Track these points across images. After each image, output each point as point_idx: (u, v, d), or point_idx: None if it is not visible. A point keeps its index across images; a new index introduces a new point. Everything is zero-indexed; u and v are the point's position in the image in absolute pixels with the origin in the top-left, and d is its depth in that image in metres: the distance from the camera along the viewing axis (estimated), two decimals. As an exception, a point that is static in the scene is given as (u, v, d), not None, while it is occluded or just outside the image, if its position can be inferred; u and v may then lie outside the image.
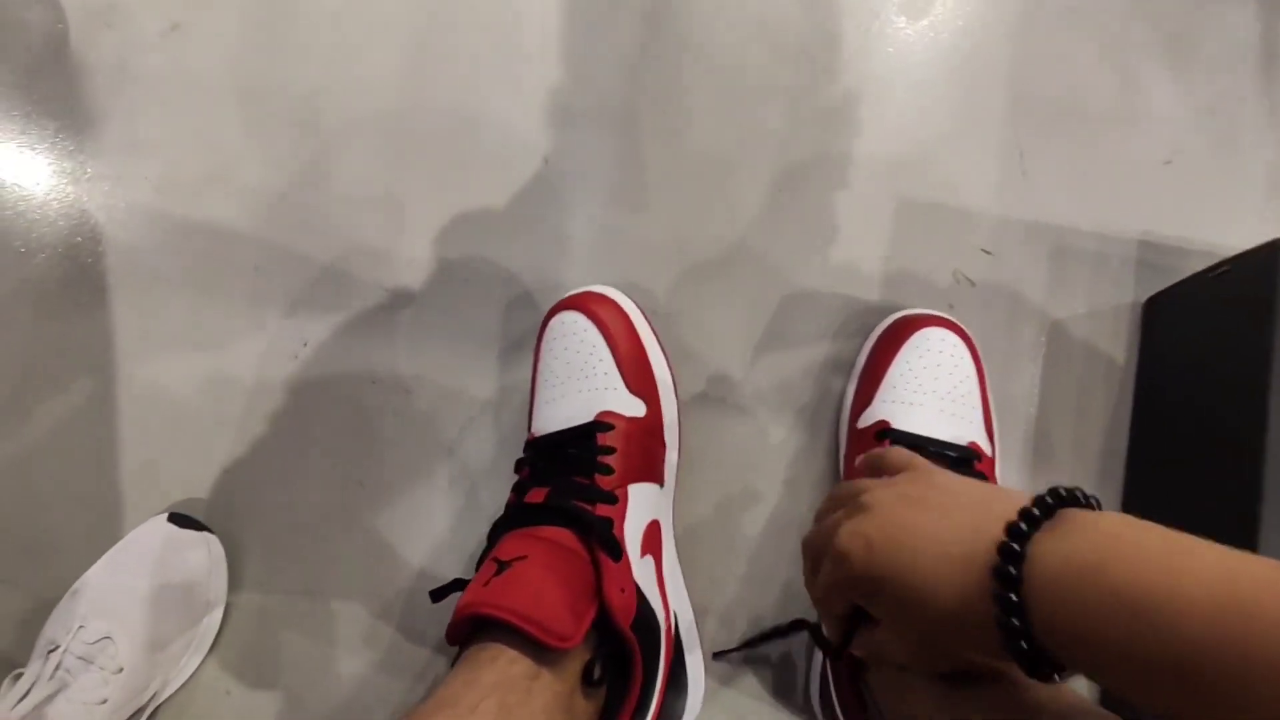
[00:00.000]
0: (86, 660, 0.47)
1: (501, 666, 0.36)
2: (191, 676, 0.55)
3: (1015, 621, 0.26)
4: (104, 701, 0.47)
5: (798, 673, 0.53)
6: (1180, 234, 0.57)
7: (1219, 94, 0.59)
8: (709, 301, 0.58)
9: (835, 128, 0.60)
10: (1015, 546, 0.27)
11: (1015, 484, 0.54)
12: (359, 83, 0.63)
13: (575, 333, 0.51)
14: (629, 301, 0.53)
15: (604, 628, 0.40)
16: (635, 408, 0.49)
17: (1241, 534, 0.42)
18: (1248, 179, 0.58)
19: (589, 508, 0.44)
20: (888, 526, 0.31)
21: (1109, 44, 0.61)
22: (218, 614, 0.55)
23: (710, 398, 0.57)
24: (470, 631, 0.39)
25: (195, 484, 0.58)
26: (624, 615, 0.40)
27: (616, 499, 0.45)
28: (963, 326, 0.52)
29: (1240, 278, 0.47)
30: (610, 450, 0.47)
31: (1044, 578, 0.26)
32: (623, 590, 0.41)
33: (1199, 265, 0.53)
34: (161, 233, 0.61)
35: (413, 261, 0.60)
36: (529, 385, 0.55)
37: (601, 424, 0.48)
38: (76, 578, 0.52)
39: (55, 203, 0.62)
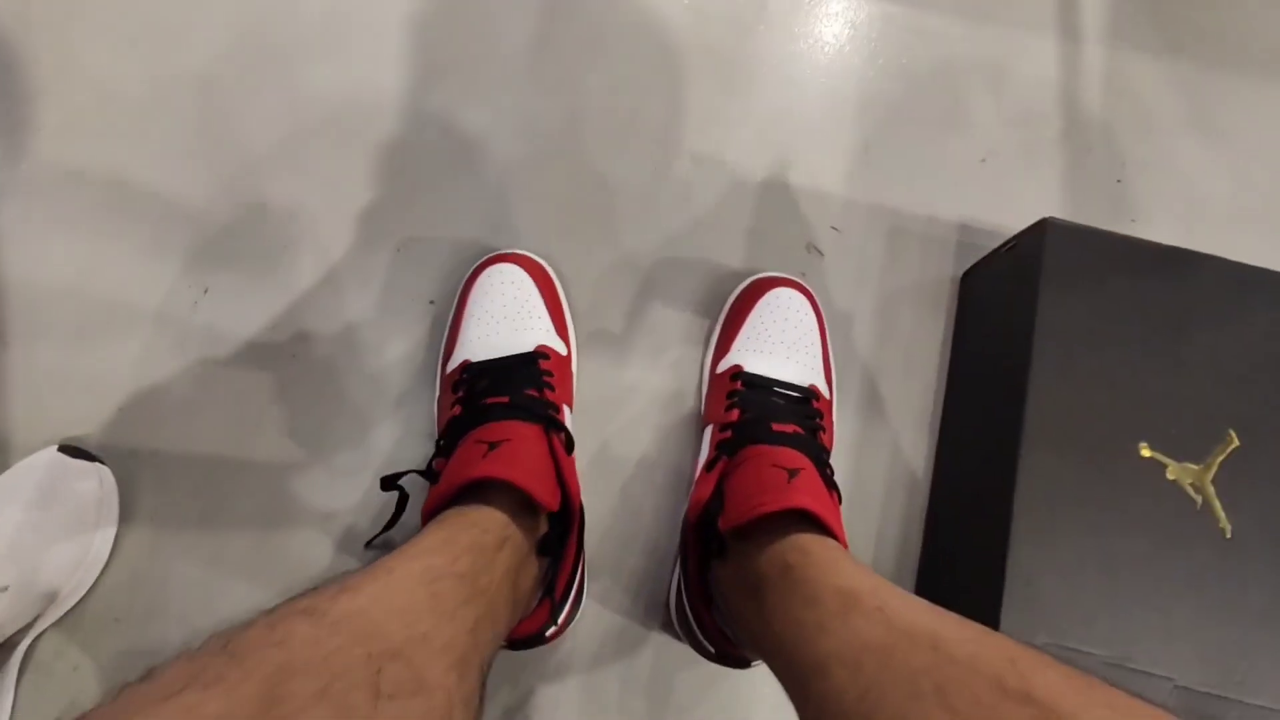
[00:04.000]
0: (-30, 577, 0.48)
1: (477, 533, 0.41)
2: (80, 603, 0.56)
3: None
4: (-12, 616, 0.48)
5: (660, 586, 0.60)
6: (992, 220, 0.68)
7: (1026, 109, 0.70)
8: (591, 267, 0.65)
9: (713, 119, 0.68)
10: None
11: (851, 427, 0.63)
12: (263, 50, 0.66)
13: (514, 280, 0.58)
14: (546, 263, 0.62)
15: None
16: (560, 346, 0.58)
17: (1005, 466, 0.51)
18: (1044, 178, 0.69)
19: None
20: None
21: (942, 63, 0.71)
22: (108, 542, 0.56)
23: (594, 349, 0.63)
24: (452, 501, 0.43)
25: (89, 420, 0.60)
26: (577, 495, 0.47)
27: (559, 410, 0.53)
28: (809, 288, 0.61)
29: (1022, 250, 0.57)
30: (550, 374, 0.54)
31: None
32: (575, 477, 0.48)
33: (1003, 245, 0.63)
34: (62, 175, 0.63)
35: (314, 218, 0.64)
36: (443, 326, 0.60)
37: (541, 353, 0.55)
38: (-38, 504, 0.53)
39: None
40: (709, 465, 0.50)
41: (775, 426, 0.49)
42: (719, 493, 0.47)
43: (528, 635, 0.46)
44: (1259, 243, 0.69)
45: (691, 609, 0.50)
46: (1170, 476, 0.50)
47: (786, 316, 0.58)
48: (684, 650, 0.58)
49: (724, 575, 0.46)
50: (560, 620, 0.50)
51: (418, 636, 0.30)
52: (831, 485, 0.47)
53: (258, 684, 0.25)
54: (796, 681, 0.35)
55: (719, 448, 0.50)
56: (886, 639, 0.31)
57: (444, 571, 0.36)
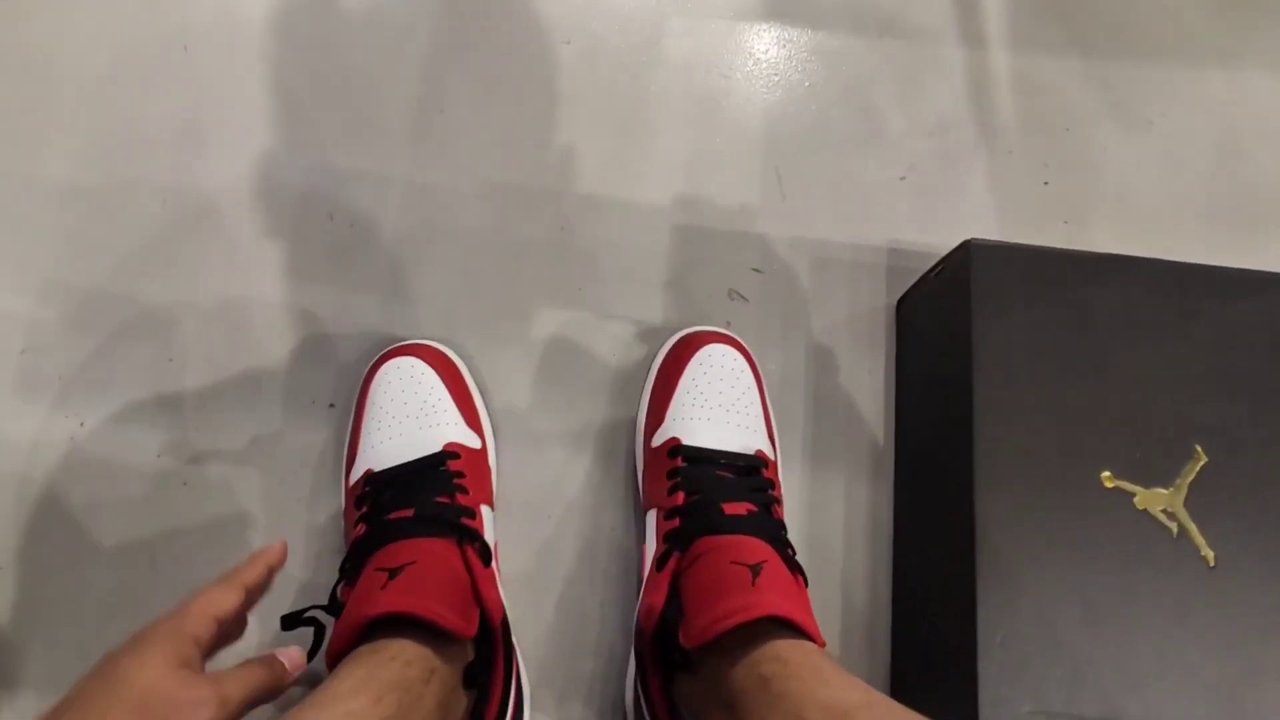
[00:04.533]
0: None
1: (399, 668, 0.37)
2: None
3: None
4: None
5: (615, 688, 0.55)
6: (921, 239, 0.64)
7: (940, 118, 0.67)
8: (499, 343, 0.60)
9: (615, 165, 0.64)
10: None
11: (799, 480, 0.58)
12: (127, 147, 0.61)
13: (415, 375, 0.53)
14: (450, 350, 0.57)
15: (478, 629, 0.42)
16: (473, 440, 0.53)
17: (962, 510, 0.47)
18: (969, 188, 0.66)
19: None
20: None
21: (847, 82, 0.68)
22: (-15, 726, 0.50)
23: (511, 434, 0.58)
24: (358, 639, 0.39)
25: (-42, 586, 0.54)
26: (496, 615, 0.43)
27: (475, 515, 0.48)
28: (740, 340, 0.56)
29: (950, 274, 0.53)
30: (462, 474, 0.49)
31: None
32: (494, 593, 0.43)
33: (936, 267, 0.59)
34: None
35: (194, 326, 0.59)
36: (344, 433, 0.55)
37: (451, 453, 0.50)
38: None
39: None
40: (659, 562, 0.45)
41: (727, 509, 0.45)
42: (674, 596, 0.42)
43: None
44: (1201, 230, 0.65)
45: None
46: (1140, 505, 0.46)
47: (721, 376, 0.53)
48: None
49: (691, 691, 0.42)
50: (497, 755, 0.45)
51: None
52: (796, 570, 0.43)
53: None
54: None
55: (668, 540, 0.45)
56: None
57: (366, 716, 0.33)
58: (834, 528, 0.58)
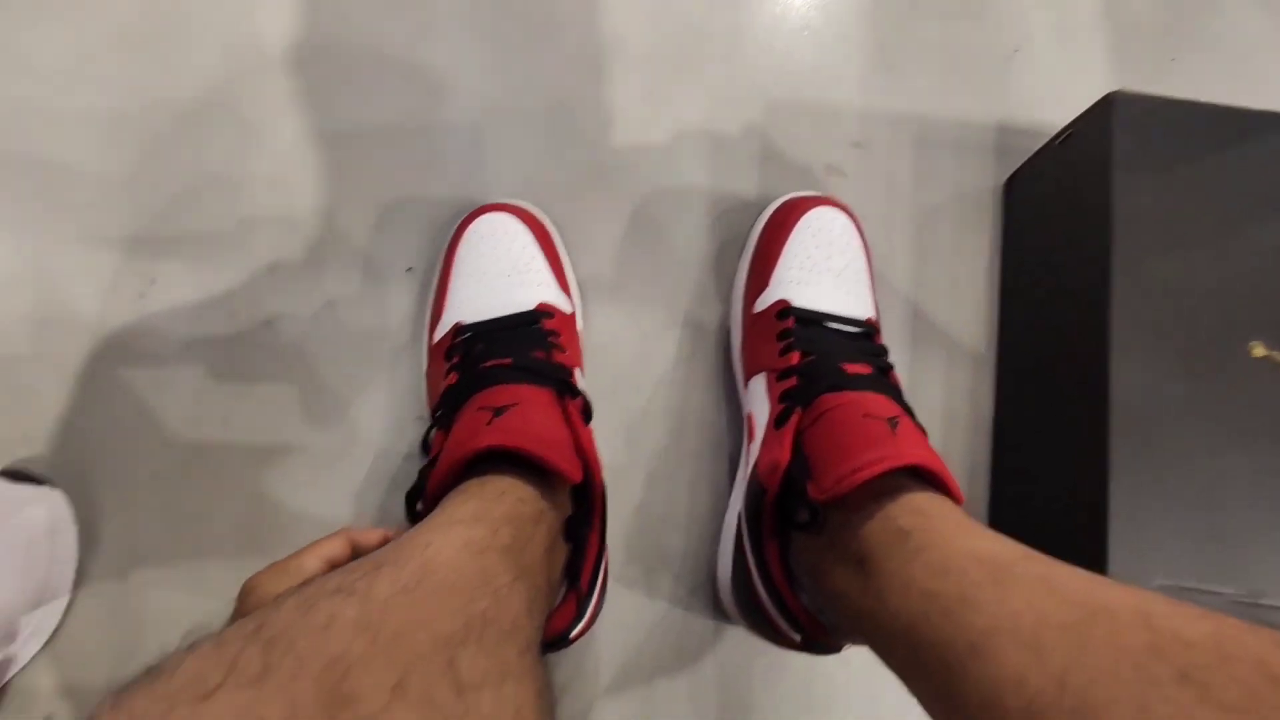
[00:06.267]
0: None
1: (511, 503, 0.35)
2: (47, 643, 0.49)
3: None
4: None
5: (701, 565, 0.53)
6: (1033, 118, 0.60)
7: (1057, -14, 0.62)
8: (585, 212, 0.57)
9: (707, 35, 0.60)
10: None
11: (896, 362, 0.55)
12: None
13: (508, 232, 0.51)
14: (540, 212, 0.54)
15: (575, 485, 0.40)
16: (565, 304, 0.51)
17: (1091, 388, 0.44)
18: (1086, 64, 0.61)
19: None
20: None
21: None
22: (68, 573, 0.49)
23: (598, 305, 0.56)
24: (460, 477, 0.37)
25: (32, 440, 0.52)
26: (598, 469, 0.40)
27: (573, 374, 0.45)
28: (848, 206, 0.53)
29: (1082, 138, 0.49)
30: (557, 334, 0.47)
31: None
32: (595, 450, 0.41)
33: (1050, 143, 0.55)
34: (-29, 167, 0.55)
35: (269, 186, 0.56)
36: (425, 295, 0.53)
37: (545, 312, 0.48)
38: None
39: None
40: (778, 420, 0.42)
41: (848, 368, 0.42)
42: (799, 453, 0.39)
43: (552, 636, 0.39)
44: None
45: (770, 592, 0.43)
46: (1289, 377, 0.43)
47: (831, 240, 0.50)
48: (743, 636, 0.51)
49: (813, 549, 0.39)
50: (587, 616, 0.43)
51: (478, 617, 0.26)
52: (922, 431, 0.40)
53: (316, 680, 0.21)
54: (934, 667, 0.28)
55: (786, 398, 0.43)
56: (1070, 614, 0.25)
57: (487, 544, 0.30)
58: (933, 413, 0.56)
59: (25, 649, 0.48)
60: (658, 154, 0.58)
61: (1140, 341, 0.44)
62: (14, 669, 0.49)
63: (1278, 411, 0.43)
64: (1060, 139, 0.52)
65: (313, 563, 0.34)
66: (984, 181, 0.59)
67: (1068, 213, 0.50)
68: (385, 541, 0.37)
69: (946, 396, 0.56)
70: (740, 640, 0.53)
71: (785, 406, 0.42)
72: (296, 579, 0.33)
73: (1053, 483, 0.48)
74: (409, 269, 0.56)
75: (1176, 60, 0.61)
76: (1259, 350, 0.43)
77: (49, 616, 0.49)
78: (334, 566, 0.35)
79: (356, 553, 0.37)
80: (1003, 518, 0.53)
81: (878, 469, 0.35)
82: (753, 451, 0.46)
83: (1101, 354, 0.44)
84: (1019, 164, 0.58)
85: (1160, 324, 0.44)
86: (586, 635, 0.44)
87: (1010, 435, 0.54)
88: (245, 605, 0.32)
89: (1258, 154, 0.45)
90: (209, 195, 0.56)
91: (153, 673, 0.21)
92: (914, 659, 0.30)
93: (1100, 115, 0.47)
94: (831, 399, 0.40)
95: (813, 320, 0.46)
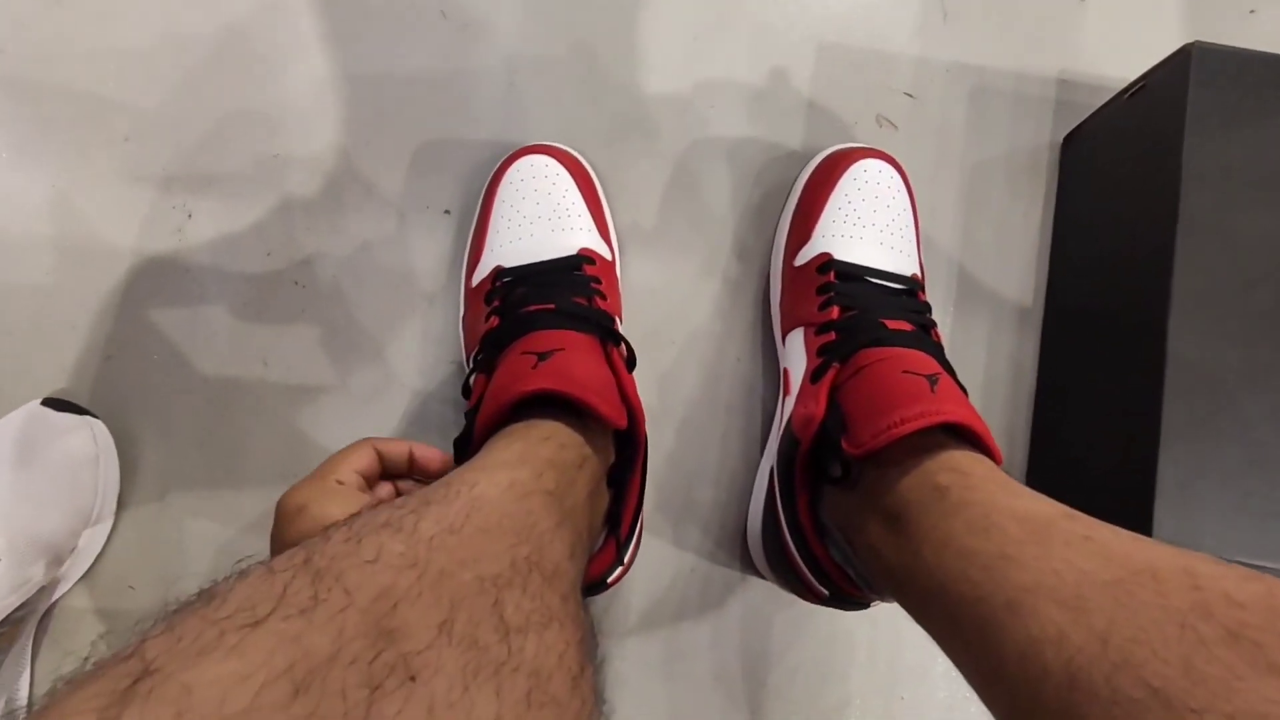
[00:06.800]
0: (-44, 549, 0.43)
1: (554, 448, 0.35)
2: (90, 570, 0.51)
3: None
4: (-19, 591, 0.43)
5: (730, 517, 0.53)
6: (1097, 71, 0.57)
7: (1133, -70, 0.59)
8: (625, 157, 0.55)
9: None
10: None
11: (939, 320, 0.54)
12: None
13: (548, 175, 0.50)
14: (581, 156, 0.53)
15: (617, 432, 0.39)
16: (605, 251, 0.50)
17: (1146, 352, 0.43)
18: (1158, 13, 0.58)
19: None
20: None
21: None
22: (110, 501, 0.50)
23: (636, 253, 0.55)
24: (504, 422, 0.37)
25: (75, 371, 0.53)
26: (642, 416, 0.40)
27: (615, 321, 0.45)
28: (897, 159, 0.51)
29: (1154, 92, 0.47)
30: (599, 280, 0.47)
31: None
32: (638, 397, 0.41)
33: (1114, 98, 0.52)
34: (13, 102, 0.54)
35: (305, 123, 0.55)
36: (464, 239, 0.53)
37: (586, 257, 0.47)
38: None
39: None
40: (814, 375, 0.41)
41: (889, 324, 0.41)
42: (834, 408, 0.39)
43: (590, 581, 0.39)
44: None
45: (800, 546, 0.42)
46: (1356, 349, 0.41)
47: (877, 194, 0.48)
48: (767, 591, 0.51)
49: (847, 504, 0.39)
50: (625, 562, 0.43)
51: (523, 561, 0.25)
52: (963, 390, 0.39)
53: (363, 612, 0.20)
54: (969, 624, 0.28)
55: (824, 352, 0.42)
56: (1113, 573, 0.25)
57: (531, 488, 0.30)
58: (973, 374, 0.55)
59: (72, 570, 0.50)
60: (699, 101, 0.56)
61: (1202, 305, 0.42)
62: (61, 590, 0.50)
63: (1342, 384, 0.41)
64: (1130, 92, 0.49)
65: (346, 473, 0.36)
66: (1041, 138, 0.57)
67: (1134, 170, 0.48)
68: (410, 454, 0.38)
69: (988, 358, 0.55)
70: (764, 595, 0.53)
71: (822, 360, 0.41)
72: (334, 493, 0.34)
73: (1099, 449, 0.47)
74: (446, 211, 0.55)
75: (1256, 12, 0.57)
76: (1328, 319, 0.41)
77: (93, 541, 0.50)
78: (365, 477, 0.37)
79: (383, 461, 0.38)
80: (1041, 483, 0.52)
81: (916, 424, 0.34)
82: (787, 406, 0.46)
83: (1160, 317, 0.42)
84: (1079, 120, 0.55)
85: (1224, 288, 0.42)
86: (622, 583, 0.45)
87: (1054, 399, 0.53)
88: (294, 524, 0.33)
89: (1343, 112, 0.43)
90: (244, 134, 0.55)
91: (205, 596, 0.21)
92: (948, 616, 0.30)
93: (1176, 68, 0.45)
94: (870, 354, 0.40)
95: (855, 275, 0.45)
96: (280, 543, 0.34)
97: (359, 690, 0.18)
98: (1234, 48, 0.44)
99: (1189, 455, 0.40)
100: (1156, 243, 0.43)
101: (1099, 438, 0.47)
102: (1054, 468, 0.51)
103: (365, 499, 0.35)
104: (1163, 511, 0.40)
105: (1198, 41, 0.44)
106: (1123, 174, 0.49)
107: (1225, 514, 0.40)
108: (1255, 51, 0.44)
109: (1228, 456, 0.40)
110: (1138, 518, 0.41)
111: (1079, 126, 0.55)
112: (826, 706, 0.53)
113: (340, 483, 0.35)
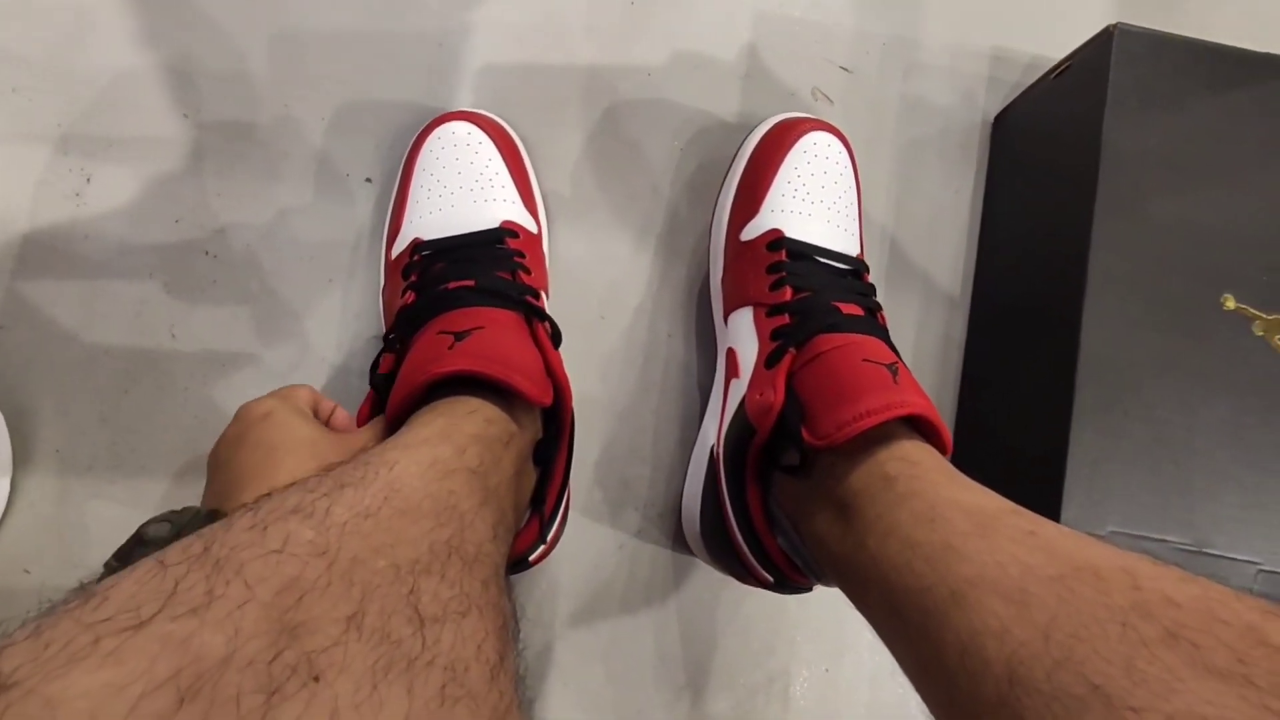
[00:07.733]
0: None
1: (480, 423, 0.34)
2: (-21, 556, 0.48)
3: None
4: None
5: (660, 496, 0.53)
6: (1030, 49, 0.57)
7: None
8: (553, 127, 0.54)
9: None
10: None
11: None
12: None
13: (470, 144, 0.48)
14: (506, 124, 0.50)
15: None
16: (530, 223, 0.48)
17: (1062, 334, 0.43)
18: (1092, -6, 0.58)
19: None
20: None
21: None
22: (3, 483, 0.47)
23: (565, 226, 0.53)
24: (416, 404, 0.35)
25: (-38, 344, 0.49)
26: (569, 393, 0.39)
27: (539, 296, 0.44)
28: (844, 134, 0.49)
29: (1078, 72, 0.47)
30: (522, 254, 0.45)
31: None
32: (565, 373, 0.40)
33: (1046, 77, 0.53)
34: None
35: (217, 80, 0.52)
36: (385, 206, 0.50)
37: (509, 230, 0.46)
38: None
39: None
40: (769, 359, 0.41)
41: (842, 308, 0.40)
42: (791, 396, 0.38)
43: (512, 558, 0.39)
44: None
45: (747, 534, 0.42)
46: (1258, 331, 0.43)
47: (825, 169, 0.47)
48: (708, 569, 0.51)
49: (795, 491, 0.39)
50: (548, 540, 0.43)
51: (443, 545, 0.25)
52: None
53: (264, 608, 0.19)
54: (912, 614, 0.28)
55: (779, 336, 0.41)
56: (1056, 568, 0.25)
57: (454, 465, 0.29)
58: (904, 353, 0.55)
59: (-39, 558, 0.47)
60: (634, 68, 0.55)
61: (1116, 290, 0.43)
62: (-50, 577, 0.47)
63: (1246, 366, 0.43)
64: (1056, 73, 0.50)
65: (304, 393, 0.39)
66: (974, 116, 0.57)
67: (1056, 151, 0.48)
68: (333, 414, 0.40)
69: (918, 337, 0.55)
70: (705, 573, 0.53)
71: (778, 345, 0.40)
72: (298, 409, 0.37)
73: (1016, 429, 0.47)
74: (368, 179, 0.52)
75: (1185, -5, 0.58)
76: (1230, 303, 0.43)
77: (-16, 526, 0.47)
78: (314, 407, 0.39)
79: (315, 411, 0.39)
80: (963, 462, 0.53)
81: (883, 416, 0.34)
82: (733, 388, 0.45)
83: (1076, 300, 0.43)
84: (1011, 98, 0.55)
85: (1138, 273, 0.43)
86: (549, 563, 0.44)
87: (978, 379, 0.53)
88: (258, 428, 0.35)
89: (1258, 99, 0.44)
90: (149, 90, 0.52)
91: (83, 595, 0.19)
92: (891, 606, 0.30)
93: (1099, 49, 0.45)
94: (827, 340, 0.39)
95: (805, 254, 0.44)
96: (241, 448, 0.34)
97: (254, 696, 0.17)
98: (1156, 31, 0.44)
99: (1099, 435, 0.41)
100: (1074, 227, 0.44)
101: (1017, 418, 0.48)
102: (976, 446, 0.52)
103: (321, 427, 0.36)
104: (1071, 488, 0.41)
105: (1120, 22, 0.44)
106: (1047, 155, 0.50)
107: (1130, 491, 0.41)
108: (1177, 35, 0.44)
109: (1137, 437, 0.42)
110: (1048, 495, 0.42)
111: (1008, 106, 0.55)
112: (757, 680, 0.53)
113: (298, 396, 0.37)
